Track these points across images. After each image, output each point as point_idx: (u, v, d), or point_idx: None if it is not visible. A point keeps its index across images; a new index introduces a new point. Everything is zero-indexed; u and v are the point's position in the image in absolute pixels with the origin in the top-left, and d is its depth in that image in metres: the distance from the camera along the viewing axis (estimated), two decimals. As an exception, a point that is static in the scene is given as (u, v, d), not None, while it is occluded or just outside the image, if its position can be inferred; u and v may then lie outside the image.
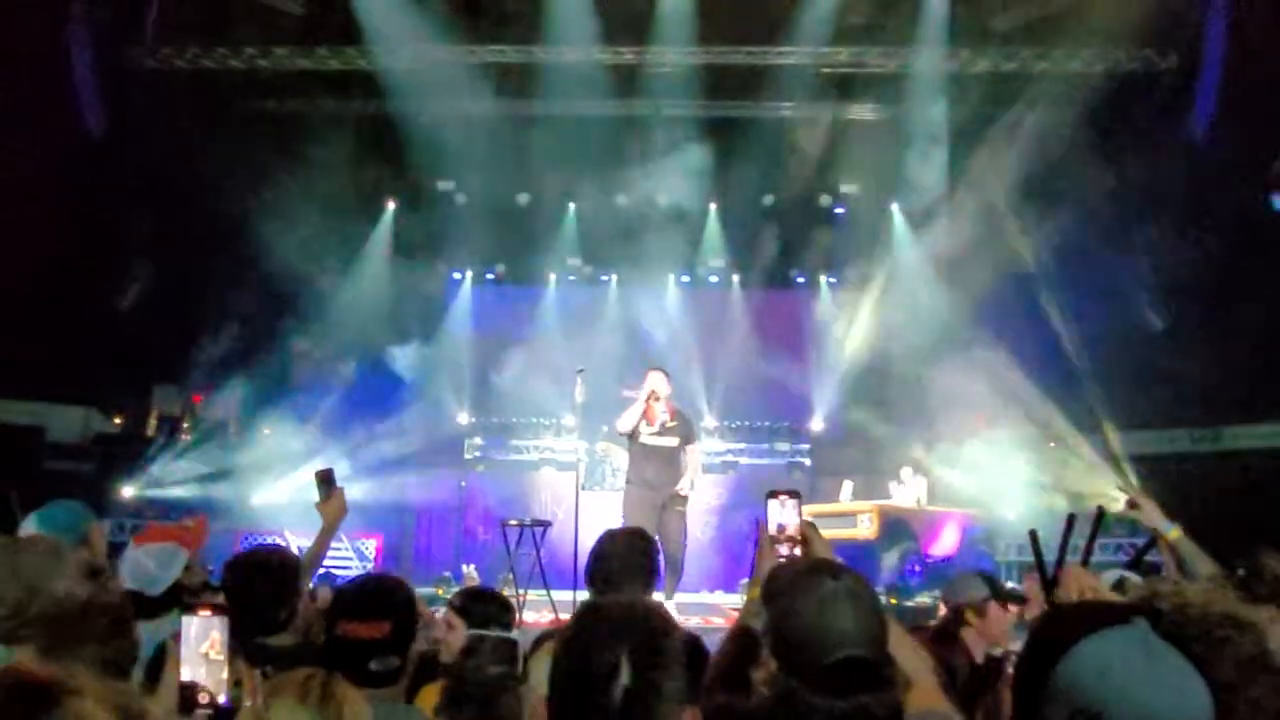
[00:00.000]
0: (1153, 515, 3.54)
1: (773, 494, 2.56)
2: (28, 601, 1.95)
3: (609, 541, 3.48)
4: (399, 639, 2.65)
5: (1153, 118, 12.27)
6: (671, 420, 7.84)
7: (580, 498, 8.49)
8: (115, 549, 3.52)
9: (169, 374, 14.00)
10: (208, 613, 1.93)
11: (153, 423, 14.13)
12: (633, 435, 7.81)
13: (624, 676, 1.53)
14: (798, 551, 2.47)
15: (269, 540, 10.85)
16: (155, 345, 12.92)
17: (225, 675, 2.00)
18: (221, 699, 2.01)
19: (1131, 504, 3.64)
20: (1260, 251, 10.44)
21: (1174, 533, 3.49)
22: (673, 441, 7.83)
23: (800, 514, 2.53)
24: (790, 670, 1.79)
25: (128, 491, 12.56)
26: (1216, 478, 11.27)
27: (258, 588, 2.97)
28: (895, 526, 10.53)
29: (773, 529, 2.51)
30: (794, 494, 2.56)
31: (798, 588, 1.87)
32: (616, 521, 10.74)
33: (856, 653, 1.75)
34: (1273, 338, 10.30)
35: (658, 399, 7.73)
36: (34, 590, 1.97)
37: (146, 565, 3.08)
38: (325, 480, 3.85)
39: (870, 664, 1.76)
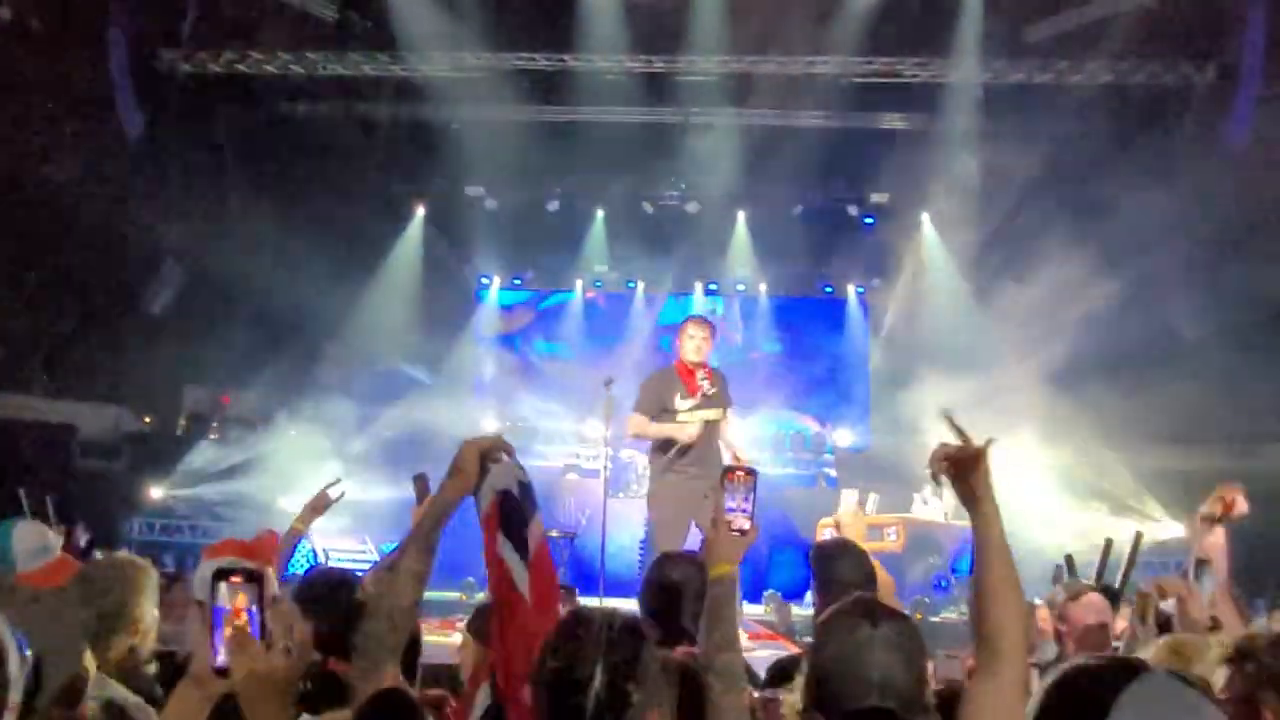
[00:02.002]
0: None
1: (729, 471, 2.53)
2: None
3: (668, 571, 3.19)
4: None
5: (1190, 130, 12.10)
6: (712, 386, 6.19)
7: (607, 505, 8.44)
8: (143, 548, 3.54)
9: (199, 374, 14.15)
10: (239, 579, 1.91)
11: (183, 422, 14.28)
12: (664, 412, 6.14)
13: (597, 684, 1.60)
14: (746, 526, 2.44)
15: (300, 546, 10.92)
16: (186, 345, 13.06)
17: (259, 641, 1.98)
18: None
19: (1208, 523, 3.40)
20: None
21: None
22: (717, 414, 6.19)
23: (755, 492, 2.51)
24: (819, 710, 1.80)
25: (156, 491, 12.67)
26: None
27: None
28: (922, 540, 10.42)
29: (732, 505, 2.47)
30: (750, 472, 2.54)
31: (836, 628, 1.86)
32: (642, 529, 10.68)
33: (884, 704, 1.74)
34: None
35: (701, 364, 6.20)
36: None
37: None
38: (420, 484, 3.80)
39: (898, 717, 1.75)
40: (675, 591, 3.05)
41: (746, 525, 2.45)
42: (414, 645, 2.85)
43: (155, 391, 14.07)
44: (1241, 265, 10.74)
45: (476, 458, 2.14)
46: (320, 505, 4.13)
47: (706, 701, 2.18)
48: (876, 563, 3.49)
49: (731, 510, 2.47)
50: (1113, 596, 3.65)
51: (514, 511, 2.10)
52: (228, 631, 1.80)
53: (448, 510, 2.15)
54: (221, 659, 1.80)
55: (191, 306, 13.13)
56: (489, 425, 14.82)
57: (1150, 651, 2.64)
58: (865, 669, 1.76)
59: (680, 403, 6.08)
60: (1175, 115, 12.30)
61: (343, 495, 4.15)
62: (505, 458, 2.18)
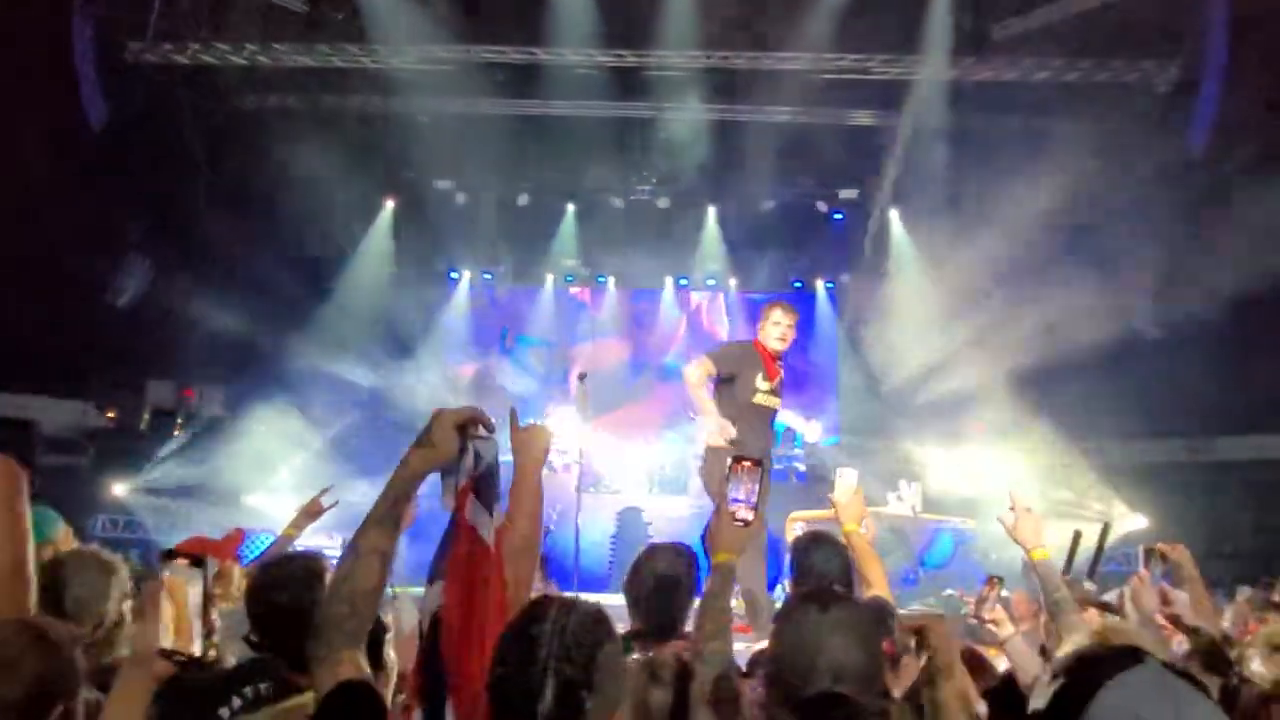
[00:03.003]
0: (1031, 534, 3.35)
1: (736, 461, 2.55)
2: None
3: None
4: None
5: (1151, 129, 12.28)
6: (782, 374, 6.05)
7: (581, 500, 8.42)
8: (107, 546, 3.50)
9: (163, 369, 13.96)
10: (184, 562, 1.90)
11: (146, 417, 14.08)
12: (733, 382, 5.83)
13: (548, 695, 1.54)
14: (750, 517, 2.47)
15: (263, 537, 10.81)
16: (149, 340, 12.88)
17: (199, 625, 1.97)
18: (195, 649, 1.99)
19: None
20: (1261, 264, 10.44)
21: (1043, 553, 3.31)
22: (778, 401, 6.08)
23: (759, 483, 2.53)
24: (776, 698, 1.82)
25: (120, 488, 12.50)
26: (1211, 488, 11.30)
27: (277, 609, 2.58)
28: (890, 535, 10.51)
29: (738, 495, 2.50)
30: (757, 463, 2.56)
31: (791, 616, 1.89)
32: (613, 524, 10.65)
33: (837, 688, 1.76)
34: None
35: (781, 353, 5.97)
36: None
37: None
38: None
39: (849, 701, 1.76)
40: (666, 583, 3.00)
41: (750, 516, 2.48)
42: (378, 636, 2.79)
43: (118, 386, 13.87)
44: (1201, 264, 10.91)
45: (451, 429, 1.94)
46: (314, 511, 4.09)
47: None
48: (860, 536, 3.50)
49: (736, 501, 2.50)
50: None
51: (485, 490, 1.97)
52: (169, 614, 1.80)
53: (414, 482, 1.93)
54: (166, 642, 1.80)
55: (156, 300, 12.95)
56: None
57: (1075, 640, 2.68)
58: (816, 654, 1.78)
59: (761, 383, 5.86)
60: (1139, 114, 12.46)
61: (336, 504, 4.11)
62: (484, 432, 1.99)
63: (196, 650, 2.01)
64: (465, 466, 1.94)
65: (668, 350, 15.92)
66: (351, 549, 1.84)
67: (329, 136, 12.84)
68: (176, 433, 13.50)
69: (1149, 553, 3.48)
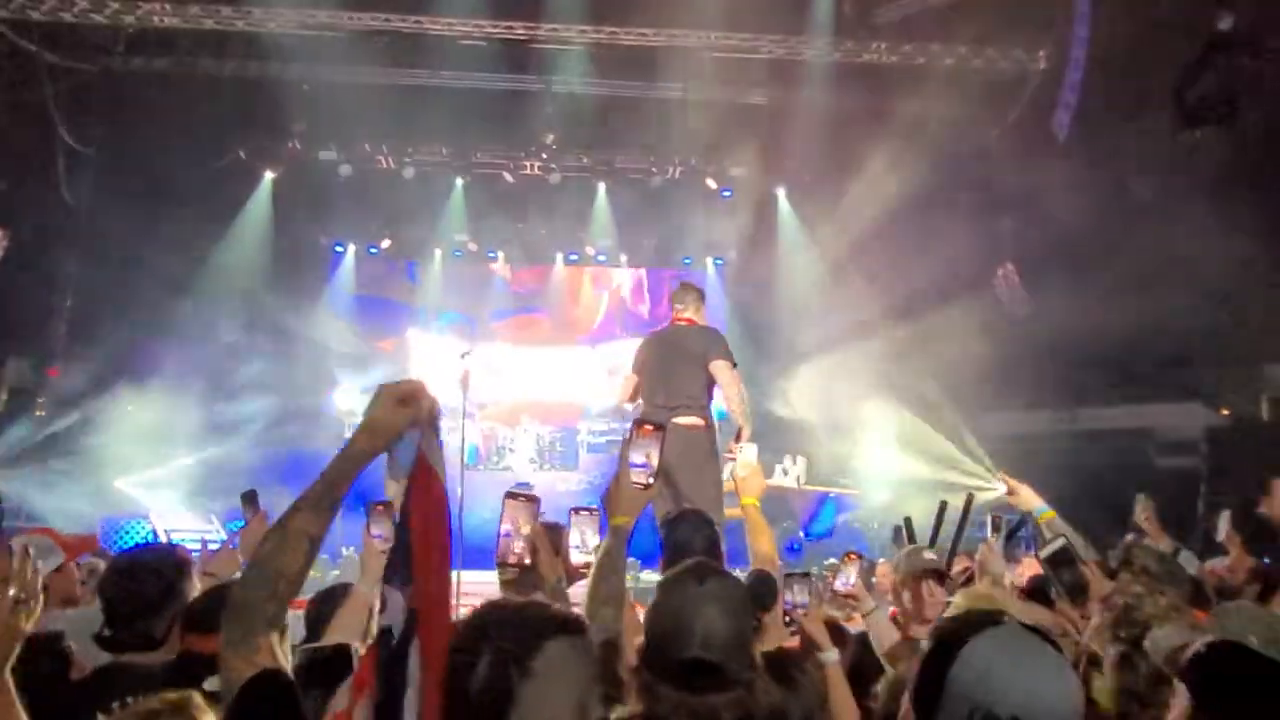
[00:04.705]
0: (1029, 499, 3.76)
1: (639, 425, 2.56)
2: None
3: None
4: None
5: (1022, 115, 12.82)
6: None
7: (464, 477, 8.35)
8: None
9: (23, 345, 13.15)
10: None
11: (3, 397, 13.25)
12: None
13: (481, 669, 1.54)
14: (649, 481, 2.50)
15: (135, 524, 10.38)
16: (7, 316, 12.12)
17: None
18: None
19: (1010, 490, 3.86)
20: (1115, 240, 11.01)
21: (1048, 514, 3.71)
22: None
23: (662, 449, 2.54)
24: (649, 665, 1.90)
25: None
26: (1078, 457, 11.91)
27: (137, 596, 2.61)
28: (777, 506, 10.79)
29: (637, 459, 2.52)
30: (659, 427, 2.56)
31: (666, 588, 1.98)
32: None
33: (706, 655, 1.85)
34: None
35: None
36: None
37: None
38: (249, 502, 3.66)
39: (718, 667, 1.85)
40: (683, 551, 3.07)
41: (649, 480, 2.50)
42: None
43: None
44: (1077, 241, 11.45)
45: (395, 405, 1.83)
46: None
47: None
48: (756, 510, 3.65)
49: (636, 465, 2.51)
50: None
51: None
52: None
53: (357, 467, 1.81)
54: None
55: (14, 272, 12.17)
56: (341, 397, 14.44)
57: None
58: (689, 621, 1.87)
59: None
60: (1013, 101, 12.98)
61: None
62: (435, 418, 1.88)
63: None
64: (415, 442, 1.86)
65: (591, 326, 16.00)
66: (280, 528, 1.74)
67: (203, 102, 12.29)
68: (39, 413, 12.77)
69: (996, 520, 3.74)
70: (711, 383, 5.80)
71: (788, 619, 3.09)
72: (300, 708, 1.69)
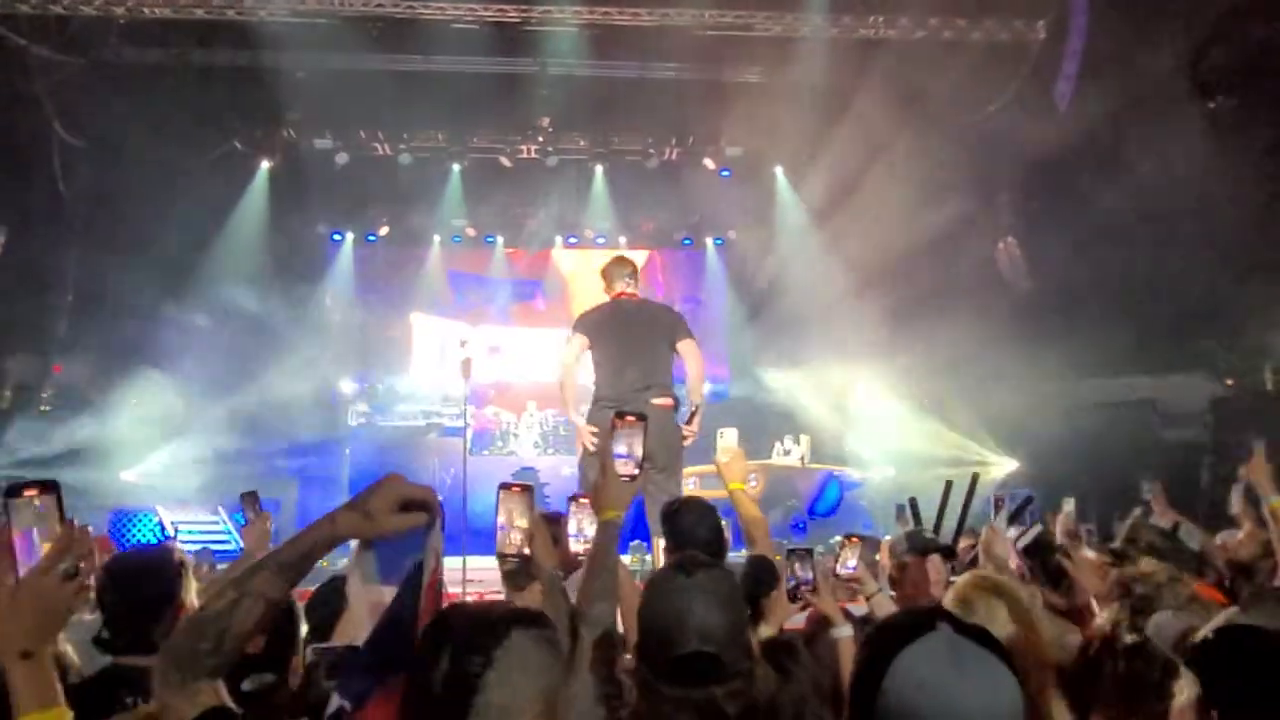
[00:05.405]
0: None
1: (620, 416, 2.54)
2: None
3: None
4: (276, 650, 2.45)
5: (1022, 86, 12.71)
6: None
7: (468, 463, 8.39)
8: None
9: (26, 341, 13.15)
10: (34, 492, 1.79)
11: (7, 394, 13.27)
12: None
13: (443, 664, 1.51)
14: (635, 471, 2.48)
15: (144, 516, 10.40)
16: (11, 311, 12.11)
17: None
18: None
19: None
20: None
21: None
22: None
23: (645, 439, 2.51)
24: (645, 662, 1.89)
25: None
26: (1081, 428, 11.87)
27: (135, 599, 2.58)
28: (781, 485, 10.80)
29: (621, 450, 2.50)
30: (640, 417, 2.55)
31: (655, 586, 1.97)
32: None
33: (703, 648, 1.84)
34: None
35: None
36: None
37: None
38: (250, 503, 3.65)
39: (717, 659, 1.84)
40: (687, 541, 3.11)
41: (635, 471, 2.48)
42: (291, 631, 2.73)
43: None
44: (1073, 213, 11.41)
45: (395, 506, 1.66)
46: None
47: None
48: (752, 501, 3.63)
49: (620, 456, 2.48)
50: (948, 551, 3.85)
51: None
52: None
53: (331, 544, 1.69)
54: None
55: (15, 267, 12.15)
56: (345, 386, 14.46)
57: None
58: (683, 616, 1.86)
59: None
60: (1013, 72, 12.86)
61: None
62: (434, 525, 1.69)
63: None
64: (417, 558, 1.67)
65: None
66: (236, 585, 1.66)
67: (197, 93, 12.23)
68: (44, 409, 12.79)
69: (999, 501, 3.71)
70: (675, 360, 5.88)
71: (793, 596, 3.09)
72: None
